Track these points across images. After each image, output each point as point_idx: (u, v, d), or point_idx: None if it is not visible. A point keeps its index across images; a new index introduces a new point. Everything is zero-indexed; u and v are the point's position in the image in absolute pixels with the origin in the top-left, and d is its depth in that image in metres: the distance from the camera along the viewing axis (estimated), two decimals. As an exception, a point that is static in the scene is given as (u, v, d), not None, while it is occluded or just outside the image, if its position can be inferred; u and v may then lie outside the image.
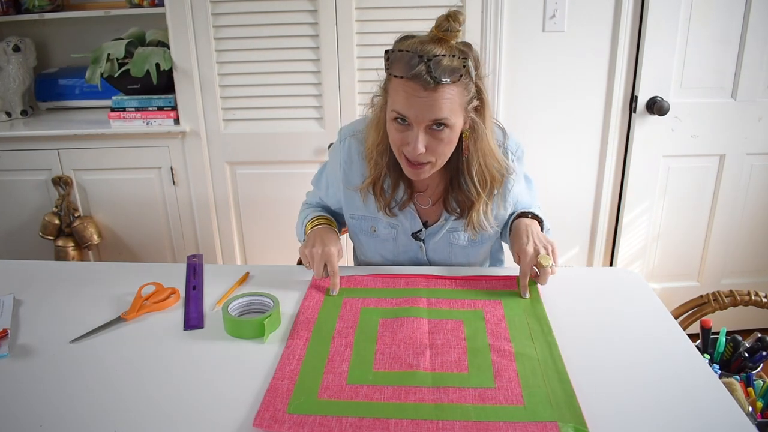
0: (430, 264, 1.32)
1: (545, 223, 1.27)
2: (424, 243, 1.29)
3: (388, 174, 1.20)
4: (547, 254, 1.14)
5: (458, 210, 1.22)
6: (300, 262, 1.49)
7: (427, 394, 0.87)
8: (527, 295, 1.14)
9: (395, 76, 1.03)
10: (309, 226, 1.28)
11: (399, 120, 1.07)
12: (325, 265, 1.18)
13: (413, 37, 1.06)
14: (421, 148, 1.05)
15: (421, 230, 1.27)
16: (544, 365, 0.94)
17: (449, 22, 1.02)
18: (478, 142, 1.13)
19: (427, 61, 0.99)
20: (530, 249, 1.15)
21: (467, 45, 1.07)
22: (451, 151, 1.12)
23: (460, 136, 1.12)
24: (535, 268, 1.16)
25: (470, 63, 1.04)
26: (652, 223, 2.20)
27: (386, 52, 1.06)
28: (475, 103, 1.09)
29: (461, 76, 1.03)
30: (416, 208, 1.26)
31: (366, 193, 1.24)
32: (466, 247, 1.29)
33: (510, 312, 1.09)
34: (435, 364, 0.94)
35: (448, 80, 1.01)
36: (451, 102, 1.03)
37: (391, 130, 1.10)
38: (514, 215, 1.28)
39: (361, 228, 1.31)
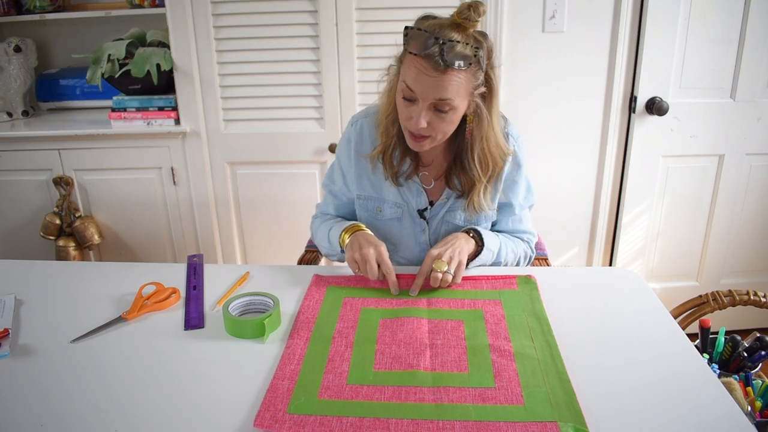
0: (431, 247, 1.32)
1: (486, 246, 1.24)
2: (428, 223, 1.31)
3: (397, 145, 1.25)
4: (447, 264, 1.15)
5: (460, 188, 1.26)
6: (300, 262, 1.50)
7: (428, 394, 0.88)
8: (415, 293, 1.15)
9: (410, 53, 1.08)
10: (346, 236, 1.25)
11: (407, 94, 1.12)
12: (379, 266, 1.17)
13: (435, 18, 1.11)
14: (423, 123, 1.11)
15: (427, 209, 1.30)
16: (544, 365, 0.94)
17: (470, 11, 1.07)
18: (481, 127, 1.19)
19: (442, 44, 1.04)
20: (434, 252, 1.18)
21: (483, 35, 1.12)
22: (452, 131, 1.17)
23: (465, 119, 1.18)
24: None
25: (482, 53, 1.09)
26: (652, 223, 2.20)
27: (406, 28, 1.11)
28: (482, 90, 1.14)
29: (471, 64, 1.07)
30: (421, 186, 1.29)
31: (375, 162, 1.28)
32: (462, 228, 1.30)
33: (510, 312, 1.10)
34: (435, 364, 0.95)
35: (458, 66, 1.06)
36: (457, 85, 1.08)
37: (400, 104, 1.16)
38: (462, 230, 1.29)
39: (367, 208, 1.34)
